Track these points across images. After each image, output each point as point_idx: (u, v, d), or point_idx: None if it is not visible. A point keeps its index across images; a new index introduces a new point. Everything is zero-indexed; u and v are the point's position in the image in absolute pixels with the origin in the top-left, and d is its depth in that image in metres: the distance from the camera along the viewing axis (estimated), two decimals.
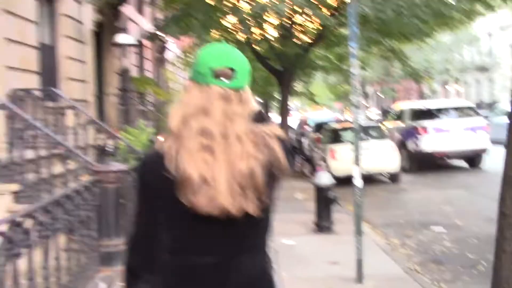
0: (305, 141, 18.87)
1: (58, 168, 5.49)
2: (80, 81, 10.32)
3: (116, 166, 5.03)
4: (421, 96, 40.88)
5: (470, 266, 5.71)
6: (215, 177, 1.46)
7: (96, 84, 11.86)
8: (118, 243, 5.06)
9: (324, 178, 7.23)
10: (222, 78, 1.54)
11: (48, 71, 9.15)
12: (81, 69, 10.40)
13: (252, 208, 1.49)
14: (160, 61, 19.87)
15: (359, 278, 4.93)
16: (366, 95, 59.12)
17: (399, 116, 15.31)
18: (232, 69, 1.55)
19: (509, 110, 3.68)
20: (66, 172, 5.18)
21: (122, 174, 5.14)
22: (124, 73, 14.94)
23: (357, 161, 4.95)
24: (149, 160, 1.65)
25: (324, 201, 7.17)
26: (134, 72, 16.06)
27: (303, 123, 22.08)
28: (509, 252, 3.47)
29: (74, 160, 5.70)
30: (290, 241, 6.76)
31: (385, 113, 45.48)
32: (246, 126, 1.52)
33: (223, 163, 1.47)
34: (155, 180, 1.53)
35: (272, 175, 1.54)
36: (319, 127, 17.78)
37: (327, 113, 31.58)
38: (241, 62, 1.60)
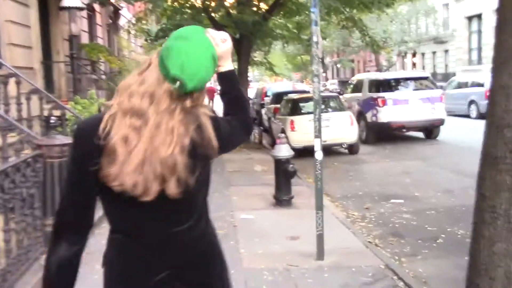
0: (264, 112, 18.64)
1: None
2: (24, 47, 9.65)
3: (60, 139, 4.63)
4: (379, 67, 41.20)
5: (429, 239, 5.66)
6: (131, 156, 1.48)
7: (42, 51, 11.17)
8: None
9: (283, 151, 7.01)
10: (177, 84, 1.52)
11: None
12: (25, 34, 9.71)
13: (172, 190, 1.52)
14: (113, 28, 19.04)
15: (320, 254, 4.77)
16: (325, 66, 59.27)
17: (357, 87, 15.23)
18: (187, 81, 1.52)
19: (489, 82, 3.44)
20: (5, 146, 4.74)
21: (67, 148, 4.75)
22: (73, 39, 14.19)
23: (318, 133, 4.74)
24: (85, 124, 1.64)
25: (283, 174, 6.97)
26: (85, 39, 15.29)
27: (262, 94, 21.79)
28: (487, 237, 3.30)
29: (15, 132, 5.26)
30: (249, 216, 6.55)
31: (343, 84, 45.91)
32: (183, 119, 1.54)
33: (146, 146, 1.49)
34: (87, 145, 1.53)
35: (201, 155, 1.59)
36: (278, 97, 17.56)
37: (286, 84, 31.28)
38: (202, 73, 1.55)
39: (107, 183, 1.50)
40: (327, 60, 59.85)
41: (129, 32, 21.60)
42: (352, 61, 54.97)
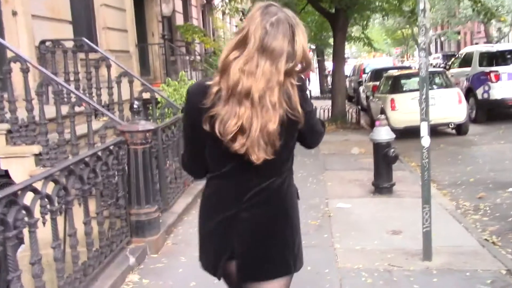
0: (362, 90, 17.79)
1: (83, 128, 4.95)
2: (120, 30, 9.74)
3: (143, 125, 4.41)
4: (489, 39, 37.97)
5: None
6: (251, 131, 1.75)
7: (137, 34, 11.27)
8: (149, 211, 4.52)
9: (383, 134, 6.37)
10: None
11: (83, 20, 8.59)
12: (120, 18, 9.80)
13: (268, 154, 1.79)
14: (207, 8, 19.03)
15: (427, 254, 4.17)
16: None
17: (466, 61, 13.90)
18: None
19: None
20: (90, 133, 4.62)
21: (151, 134, 4.53)
22: (165, 21, 14.26)
23: (425, 115, 4.09)
24: (195, 89, 1.95)
25: (383, 159, 6.34)
26: (180, 21, 15.36)
27: (359, 70, 20.84)
28: None
29: (100, 118, 5.16)
30: (345, 205, 6.03)
31: (448, 58, 43.03)
32: (280, 93, 1.76)
33: (257, 121, 1.74)
34: (198, 109, 1.81)
35: (291, 121, 1.80)
36: (377, 74, 16.62)
37: (385, 60, 29.81)
38: None
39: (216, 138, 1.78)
40: (430, 33, 56.44)
41: (224, 12, 21.57)
42: (458, 33, 51.31)
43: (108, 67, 6.47)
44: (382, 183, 6.42)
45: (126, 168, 4.37)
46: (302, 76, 1.90)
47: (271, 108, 1.74)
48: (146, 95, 6.64)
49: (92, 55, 6.78)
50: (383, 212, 5.75)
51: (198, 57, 16.02)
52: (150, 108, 6.68)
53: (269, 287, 1.94)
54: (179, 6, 15.45)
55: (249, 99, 1.73)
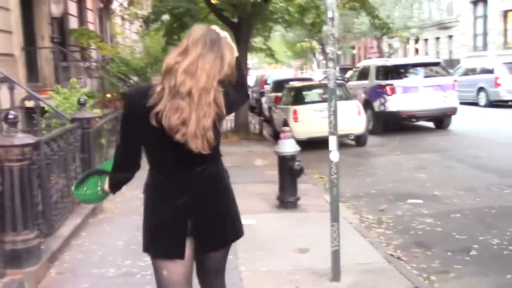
0: (264, 101, 17.81)
1: None
2: (2, 31, 8.79)
3: (21, 138, 3.81)
4: (381, 54, 40.18)
5: (460, 251, 4.86)
6: (188, 125, 2.05)
7: (25, 36, 10.30)
8: (28, 237, 3.91)
9: (288, 146, 6.19)
10: None
11: None
12: (2, 18, 8.85)
13: (206, 148, 2.12)
14: (104, 13, 18.09)
15: (336, 274, 3.98)
16: (325, 53, 58.21)
17: (363, 74, 14.37)
18: None
19: (498, 69, 2.57)
20: None
21: (31, 149, 3.93)
22: (54, 22, 13.28)
23: (334, 129, 3.92)
24: (135, 92, 2.54)
25: (289, 173, 6.16)
26: (73, 24, 14.38)
27: (261, 81, 20.92)
28: None
29: None
30: (250, 221, 5.73)
31: (345, 71, 44.96)
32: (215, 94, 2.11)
33: (194, 117, 2.05)
34: (136, 107, 2.14)
35: (219, 117, 2.15)
36: (279, 86, 16.70)
37: (286, 71, 30.37)
38: None
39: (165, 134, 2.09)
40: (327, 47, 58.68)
41: (123, 18, 20.67)
42: (353, 48, 53.91)
43: None
44: (287, 197, 6.23)
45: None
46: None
47: (206, 106, 2.05)
48: (31, 104, 5.94)
49: None
50: (289, 228, 5.54)
51: (94, 64, 15.12)
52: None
53: (221, 252, 2.44)
54: (73, 9, 14.46)
55: (190, 97, 2.04)
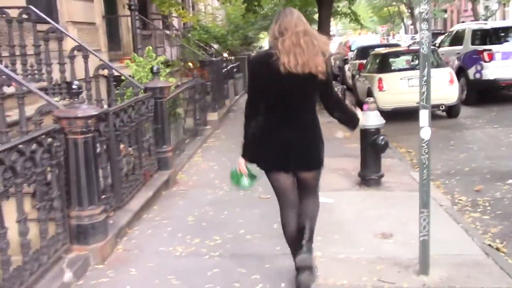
0: (347, 69, 17.04)
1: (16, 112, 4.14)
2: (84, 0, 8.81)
3: (84, 109, 3.62)
4: (476, 18, 37.32)
5: None
6: (303, 59, 2.96)
7: (106, 4, 10.34)
8: (94, 213, 3.77)
9: (372, 119, 5.65)
10: None
11: None
12: None
13: (320, 74, 3.01)
14: None
15: (424, 267, 3.50)
16: (414, 18, 55.19)
17: (457, 40, 13.20)
18: None
19: None
20: (22, 119, 3.82)
21: (95, 121, 3.74)
22: None
23: (426, 101, 3.38)
24: (256, 56, 4.01)
25: (372, 148, 5.64)
26: None
27: (345, 48, 20.05)
28: None
29: (37, 101, 4.36)
30: (328, 199, 5.32)
31: (436, 36, 42.35)
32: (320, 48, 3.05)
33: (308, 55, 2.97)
34: (264, 69, 3.03)
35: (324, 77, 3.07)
36: (363, 52, 15.86)
37: (372, 37, 29.00)
38: None
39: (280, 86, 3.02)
40: (416, 11, 55.62)
41: None
42: (445, 11, 50.62)
43: (59, 40, 5.63)
44: (369, 174, 5.73)
45: (64, 162, 3.60)
46: None
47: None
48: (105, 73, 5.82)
49: (42, 27, 5.91)
50: (371, 209, 5.06)
51: (176, 32, 15.08)
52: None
53: (311, 174, 3.28)
54: None
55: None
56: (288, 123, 3.11)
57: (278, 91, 3.04)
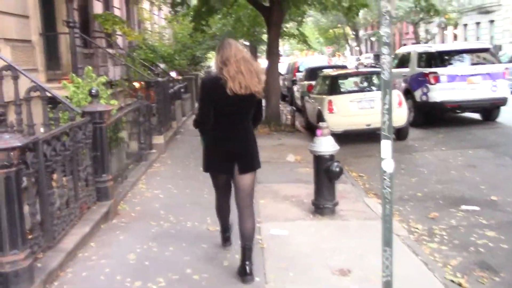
0: (297, 90, 16.99)
1: None
2: (17, 15, 8.21)
3: (7, 141, 3.16)
4: (417, 40, 38.63)
5: None
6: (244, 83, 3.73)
7: (44, 20, 9.75)
8: (16, 258, 3.29)
9: (326, 145, 5.42)
10: None
11: None
12: (17, 0, 8.27)
13: (256, 94, 3.84)
14: None
15: None
16: (358, 40, 56.68)
17: (403, 62, 13.38)
18: None
19: None
20: None
21: (19, 153, 3.27)
22: (83, 9, 12.75)
23: (388, 131, 3.14)
24: (208, 79, 4.25)
25: (326, 175, 5.40)
26: (98, 9, 13.83)
27: (293, 69, 20.05)
28: None
29: None
30: (281, 231, 5.02)
31: (379, 58, 43.34)
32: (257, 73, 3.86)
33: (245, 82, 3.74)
34: (213, 88, 3.80)
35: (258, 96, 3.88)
36: (312, 73, 15.86)
37: (319, 58, 29.33)
38: None
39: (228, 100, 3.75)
40: (361, 33, 57.15)
41: (151, 3, 20.05)
42: None
43: None
44: (323, 202, 5.47)
45: None
46: None
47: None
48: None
49: None
50: (326, 241, 4.79)
51: (120, 51, 14.55)
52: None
53: (247, 176, 3.97)
54: None
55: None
56: (231, 133, 3.88)
57: (224, 107, 3.82)
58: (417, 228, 5.35)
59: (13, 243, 3.24)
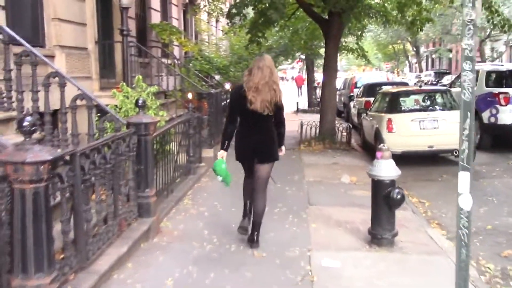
0: (353, 106, 16.41)
1: None
2: (76, 23, 8.20)
3: (36, 153, 2.89)
4: (483, 59, 36.98)
5: None
6: (257, 100, 4.68)
7: (101, 28, 9.75)
8: (41, 283, 3.00)
9: (386, 169, 4.91)
10: None
11: (24, 6, 7.07)
12: (76, 8, 8.26)
13: (269, 111, 4.72)
14: (189, 8, 17.50)
15: None
16: (419, 57, 55.11)
17: None
18: None
19: None
20: None
21: (49, 167, 3.00)
22: (141, 19, 12.77)
23: (467, 161, 2.66)
24: (235, 88, 5.25)
25: (385, 202, 4.89)
26: (156, 19, 13.85)
27: (351, 84, 19.47)
28: None
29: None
30: (333, 262, 4.55)
31: (441, 75, 42.01)
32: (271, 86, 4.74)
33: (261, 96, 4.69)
34: (238, 97, 4.78)
35: (276, 104, 4.78)
36: (370, 90, 15.27)
37: (378, 74, 28.50)
38: None
39: (249, 109, 4.70)
40: (422, 49, 55.54)
41: (208, 13, 20.03)
42: (450, 50, 50.41)
43: (34, 64, 4.95)
44: (381, 232, 4.96)
45: (8, 216, 2.85)
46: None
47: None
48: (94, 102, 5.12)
49: (16, 49, 5.25)
50: (383, 276, 4.28)
51: (177, 61, 14.51)
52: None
53: (265, 166, 4.84)
54: (156, 4, 13.96)
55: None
56: (252, 132, 4.78)
57: (246, 112, 4.71)
58: (488, 268, 4.74)
59: (38, 266, 2.97)
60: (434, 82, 37.53)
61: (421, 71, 51.75)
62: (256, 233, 4.85)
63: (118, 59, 10.76)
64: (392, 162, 4.97)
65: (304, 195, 7.06)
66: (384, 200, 4.90)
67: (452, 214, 6.48)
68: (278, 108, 4.77)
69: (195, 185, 7.39)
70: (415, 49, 53.35)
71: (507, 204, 6.90)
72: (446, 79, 37.52)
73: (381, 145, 5.03)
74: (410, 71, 57.57)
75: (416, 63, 55.87)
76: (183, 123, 7.48)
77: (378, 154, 4.96)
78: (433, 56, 55.87)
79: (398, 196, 4.84)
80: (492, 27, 11.37)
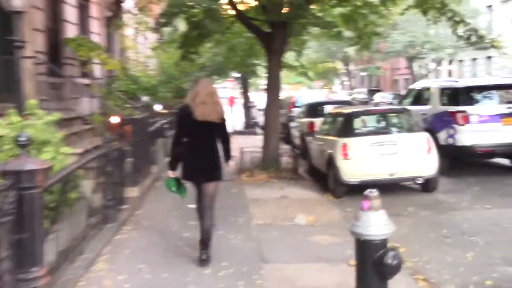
0: (294, 127, 15.27)
1: None
2: None
3: None
4: (413, 75, 37.43)
5: None
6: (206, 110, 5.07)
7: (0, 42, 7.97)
8: None
9: (376, 224, 3.57)
10: None
11: None
12: None
13: (217, 119, 5.13)
14: (114, 23, 15.72)
15: None
16: (350, 74, 55.64)
17: (420, 98, 11.74)
18: None
19: None
20: None
21: None
22: (53, 33, 10.99)
23: None
24: (181, 107, 5.41)
25: (376, 269, 3.53)
26: (72, 34, 12.07)
27: (289, 104, 18.38)
28: None
29: None
30: None
31: (373, 93, 42.24)
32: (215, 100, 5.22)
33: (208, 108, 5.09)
34: (185, 115, 5.12)
35: (222, 117, 5.21)
36: (313, 109, 14.22)
37: (317, 92, 27.70)
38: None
39: (196, 123, 5.04)
40: (351, 67, 56.03)
41: (136, 29, 18.30)
42: (378, 68, 51.16)
43: None
44: None
45: None
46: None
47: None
48: None
49: None
50: None
51: (97, 81, 12.75)
52: None
53: (211, 185, 5.13)
54: (72, 16, 12.18)
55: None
56: (198, 151, 5.12)
57: (192, 129, 5.10)
58: None
59: None
60: (367, 100, 37.57)
61: (352, 88, 52.13)
62: (205, 251, 4.96)
63: (24, 79, 8.93)
64: (383, 214, 3.63)
65: (254, 247, 5.62)
66: (374, 267, 3.54)
67: (436, 262, 5.31)
68: (223, 121, 5.17)
69: (113, 238, 5.77)
70: (346, 67, 53.81)
71: (495, 246, 5.78)
72: (380, 96, 37.77)
73: (369, 191, 3.68)
74: (342, 89, 57.99)
75: (347, 81, 56.34)
76: (98, 158, 5.87)
77: (365, 204, 3.60)
78: (362, 73, 56.64)
79: (394, 262, 3.48)
80: (458, 38, 10.47)
